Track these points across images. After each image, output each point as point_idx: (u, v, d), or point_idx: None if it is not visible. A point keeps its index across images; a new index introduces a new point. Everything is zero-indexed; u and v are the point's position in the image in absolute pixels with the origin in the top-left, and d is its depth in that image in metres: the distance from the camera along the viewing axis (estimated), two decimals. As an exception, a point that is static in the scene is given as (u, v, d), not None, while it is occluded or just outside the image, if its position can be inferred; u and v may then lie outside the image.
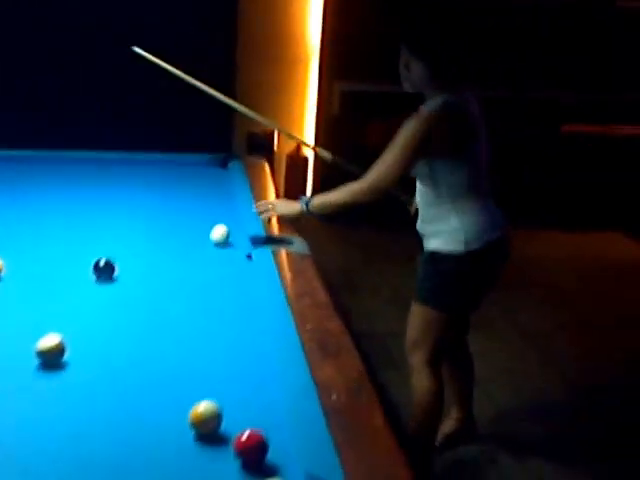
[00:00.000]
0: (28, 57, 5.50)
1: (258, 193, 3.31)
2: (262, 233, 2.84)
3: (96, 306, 2.30)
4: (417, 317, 2.86)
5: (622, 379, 3.88)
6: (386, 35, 5.84)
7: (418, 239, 2.89)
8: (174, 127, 5.37)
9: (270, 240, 2.79)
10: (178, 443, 1.64)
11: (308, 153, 6.24)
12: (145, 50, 4.80)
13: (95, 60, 5.56)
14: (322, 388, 1.77)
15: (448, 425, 3.24)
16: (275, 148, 5.95)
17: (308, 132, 6.21)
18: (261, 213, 2.95)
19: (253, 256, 2.67)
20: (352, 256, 5.47)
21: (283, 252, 2.68)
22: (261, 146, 5.20)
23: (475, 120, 2.70)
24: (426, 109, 2.66)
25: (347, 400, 1.74)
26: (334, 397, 1.74)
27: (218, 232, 2.82)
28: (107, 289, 2.42)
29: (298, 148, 6.21)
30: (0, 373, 1.89)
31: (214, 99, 4.84)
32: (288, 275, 2.51)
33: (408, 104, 6.23)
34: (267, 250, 2.68)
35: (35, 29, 5.46)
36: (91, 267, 2.45)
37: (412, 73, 2.69)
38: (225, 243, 2.82)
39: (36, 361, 1.91)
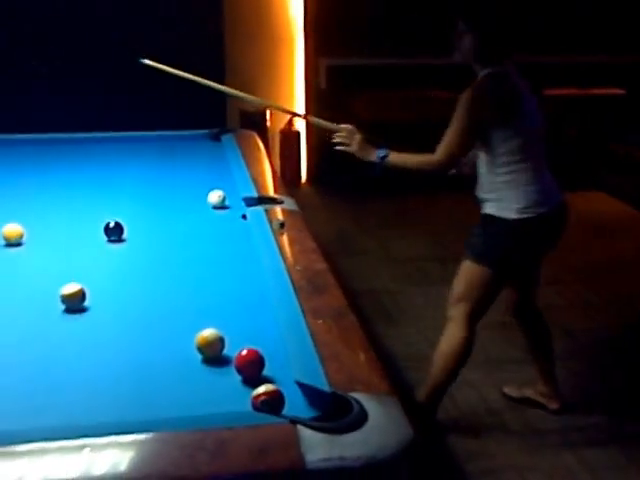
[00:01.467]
0: (32, 47, 5.70)
1: (250, 161, 3.52)
2: (255, 194, 3.03)
3: (109, 262, 2.50)
4: (465, 272, 3.02)
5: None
6: (367, 11, 6.08)
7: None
8: (170, 107, 5.55)
9: (262, 200, 2.96)
10: (187, 366, 1.82)
11: (300, 128, 6.45)
12: (133, 33, 5.01)
13: (94, 49, 5.75)
14: (310, 315, 1.97)
15: (531, 391, 3.34)
16: (268, 124, 6.16)
17: (298, 107, 6.35)
18: (338, 144, 2.99)
19: (248, 215, 2.84)
20: (345, 223, 5.62)
21: (275, 209, 2.86)
22: (253, 123, 5.39)
23: (521, 90, 2.85)
24: (477, 82, 2.84)
25: (331, 323, 1.94)
26: (320, 321, 1.94)
27: (214, 196, 3.00)
28: (117, 248, 2.62)
29: (290, 123, 6.40)
30: (32, 317, 2.10)
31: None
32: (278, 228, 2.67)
33: (390, 76, 6.44)
34: (260, 209, 2.85)
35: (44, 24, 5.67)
36: (102, 229, 2.64)
37: (464, 44, 2.87)
38: (222, 206, 3.00)
39: (61, 306, 2.11)
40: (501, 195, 2.88)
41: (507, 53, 2.91)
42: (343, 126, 3.01)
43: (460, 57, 2.93)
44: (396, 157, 2.93)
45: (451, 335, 3.03)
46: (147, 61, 3.37)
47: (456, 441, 3.13)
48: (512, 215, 2.86)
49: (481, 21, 2.91)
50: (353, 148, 2.96)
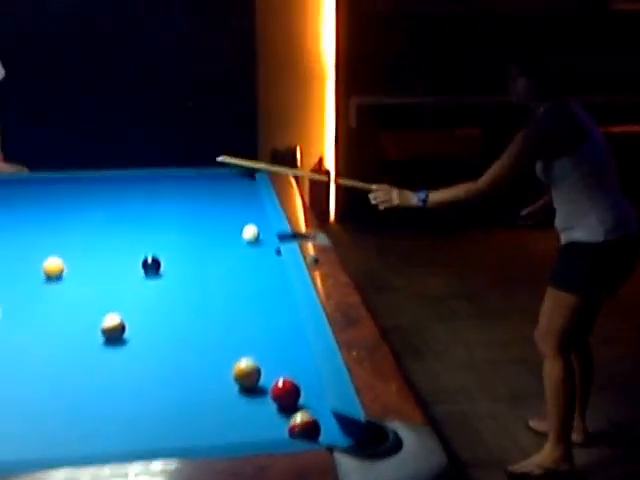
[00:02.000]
0: (69, 83, 5.82)
1: (283, 198, 3.56)
2: (288, 230, 3.06)
3: (147, 296, 2.55)
4: (552, 302, 3.01)
5: None
6: (397, 51, 6.16)
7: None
8: (205, 145, 5.64)
9: (296, 236, 3.00)
10: (224, 396, 1.87)
11: (329, 167, 6.51)
12: (168, 70, 5.09)
13: (130, 89, 5.87)
14: (344, 347, 2.01)
15: None
16: (298, 164, 6.24)
17: (328, 144, 6.46)
18: (380, 203, 3.09)
19: (282, 250, 2.87)
20: (372, 260, 5.65)
21: (308, 244, 2.90)
22: (284, 162, 5.46)
23: (582, 120, 2.90)
24: (536, 118, 2.91)
25: (365, 355, 1.97)
26: (354, 353, 1.97)
27: (249, 232, 3.04)
28: (155, 282, 2.67)
29: (320, 163, 6.47)
30: (72, 349, 2.15)
31: (239, 125, 5.13)
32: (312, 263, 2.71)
33: (419, 115, 6.49)
34: (294, 244, 2.90)
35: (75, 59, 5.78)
36: (140, 264, 2.69)
37: (518, 88, 2.97)
38: (256, 241, 3.03)
39: (101, 338, 2.16)
40: (586, 220, 2.90)
41: (563, 90, 2.97)
42: (376, 186, 3.13)
43: (516, 99, 3.02)
44: (436, 194, 3.03)
45: (550, 373, 3.05)
46: (223, 158, 3.43)
47: (482, 475, 3.13)
48: (600, 238, 2.88)
49: (532, 64, 2.99)
50: (395, 202, 3.08)
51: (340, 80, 6.30)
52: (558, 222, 3.02)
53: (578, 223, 2.93)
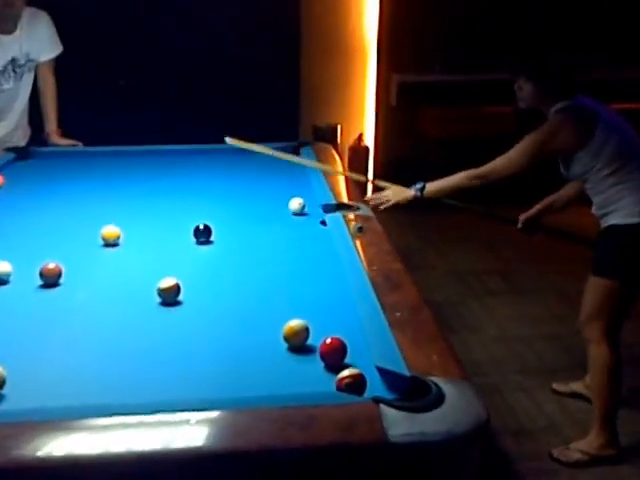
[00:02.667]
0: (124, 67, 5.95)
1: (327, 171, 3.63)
2: (332, 202, 3.13)
3: (199, 261, 2.63)
4: (595, 290, 3.02)
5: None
6: (441, 29, 6.17)
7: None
8: (249, 122, 5.69)
9: (340, 207, 3.06)
10: (274, 354, 1.93)
11: (369, 143, 6.56)
12: (214, 49, 5.15)
13: (187, 71, 5.99)
14: (388, 309, 2.07)
15: (578, 385, 3.45)
16: (338, 140, 6.28)
17: (368, 120, 6.48)
18: (376, 206, 3.16)
19: (327, 221, 2.94)
20: (408, 237, 5.70)
21: (351, 215, 2.95)
22: (325, 137, 5.52)
23: (595, 110, 2.94)
24: (548, 121, 2.96)
25: (408, 316, 2.05)
26: (397, 315, 2.04)
27: (295, 203, 3.10)
28: (206, 248, 2.75)
29: (359, 139, 6.51)
30: (131, 309, 2.24)
31: (282, 101, 5.14)
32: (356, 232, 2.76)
33: (463, 95, 6.51)
34: (338, 215, 2.96)
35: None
36: (192, 232, 2.77)
37: (526, 93, 3.02)
38: (302, 212, 3.09)
39: (157, 299, 2.24)
40: (622, 204, 2.93)
41: (570, 89, 3.00)
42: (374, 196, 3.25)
43: (524, 104, 3.06)
44: (435, 184, 3.11)
45: (596, 359, 3.06)
46: (230, 140, 3.47)
47: (511, 443, 3.22)
48: (634, 219, 2.90)
49: (536, 68, 3.03)
50: (392, 200, 3.17)
51: (382, 58, 6.32)
52: (595, 209, 3.05)
53: (614, 208, 2.95)
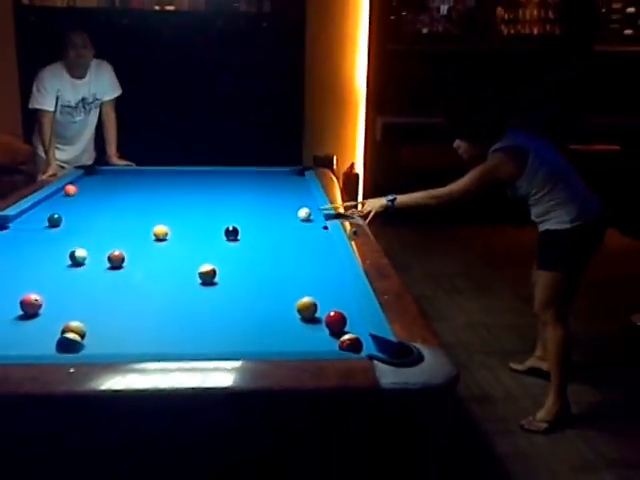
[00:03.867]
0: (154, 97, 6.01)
1: (327, 190, 3.68)
2: (332, 212, 3.18)
3: (229, 254, 2.68)
4: (543, 281, 3.01)
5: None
6: (416, 81, 6.25)
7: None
8: (264, 151, 5.76)
9: (338, 216, 3.12)
10: (290, 323, 1.99)
11: (359, 171, 6.62)
12: (238, 88, 5.22)
13: (214, 109, 6.09)
14: (379, 292, 2.13)
15: (531, 360, 3.45)
16: (334, 167, 6.35)
17: (359, 152, 6.54)
18: (354, 212, 3.14)
19: (328, 226, 3.00)
20: (391, 245, 5.64)
21: (347, 223, 3.00)
22: (324, 164, 5.59)
23: (525, 144, 2.97)
24: (489, 155, 3.00)
25: (395, 298, 2.10)
26: (386, 297, 2.09)
27: (303, 212, 3.14)
28: (234, 245, 2.80)
29: (351, 168, 6.57)
30: (177, 288, 2.29)
31: (289, 134, 5.19)
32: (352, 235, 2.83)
33: (434, 134, 6.57)
34: (337, 222, 3.01)
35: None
36: (223, 232, 2.83)
37: (462, 149, 3.07)
38: (308, 220, 3.13)
39: (198, 281, 2.30)
40: (553, 215, 2.96)
41: (498, 132, 3.01)
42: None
43: (466, 157, 3.08)
44: (404, 197, 3.10)
45: (552, 337, 3.03)
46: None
47: (476, 409, 3.24)
48: (567, 226, 2.93)
49: (464, 127, 3.05)
50: (368, 208, 3.14)
51: (369, 103, 6.39)
52: (533, 217, 3.07)
53: (548, 217, 2.98)
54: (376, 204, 3.16)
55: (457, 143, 3.09)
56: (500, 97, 5.29)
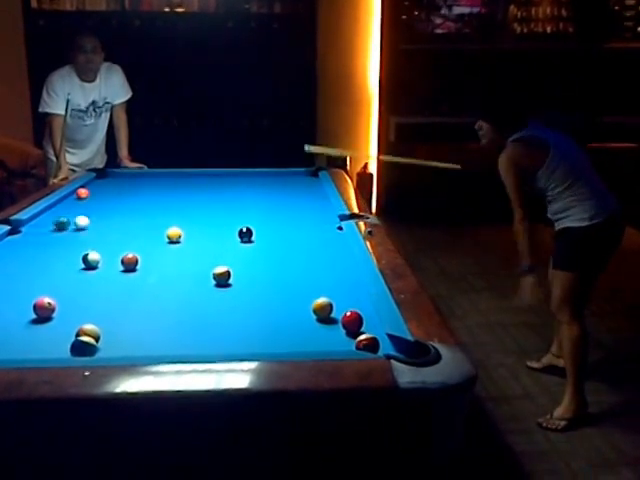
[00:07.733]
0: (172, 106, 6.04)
1: (341, 189, 3.67)
2: (346, 212, 3.15)
3: (243, 255, 2.66)
4: (560, 281, 2.99)
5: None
6: (429, 80, 6.25)
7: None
8: (280, 152, 5.73)
9: (353, 216, 3.09)
10: (305, 324, 1.97)
11: (372, 171, 6.60)
12: (256, 94, 5.21)
13: (231, 113, 6.14)
14: (395, 292, 2.11)
15: (547, 358, 3.45)
16: (348, 167, 6.34)
17: (371, 154, 6.52)
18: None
19: (343, 227, 2.97)
20: (406, 245, 5.65)
21: (362, 223, 2.98)
22: (337, 165, 5.57)
23: (545, 137, 2.96)
24: (506, 150, 2.98)
25: (411, 298, 2.08)
26: (402, 296, 2.07)
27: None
28: (248, 247, 2.78)
29: (365, 168, 6.57)
30: (192, 290, 2.29)
31: (303, 135, 5.20)
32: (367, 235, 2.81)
33: (447, 133, 6.58)
34: (352, 222, 2.99)
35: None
36: (237, 233, 2.81)
37: (483, 130, 3.05)
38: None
39: (213, 282, 2.29)
40: (572, 212, 2.94)
41: (520, 123, 2.99)
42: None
43: (485, 140, 3.07)
44: (523, 254, 2.97)
45: (567, 336, 3.01)
46: (309, 147, 3.38)
47: (493, 408, 3.22)
48: (584, 223, 2.91)
49: (489, 109, 3.05)
50: (529, 296, 3.01)
51: (382, 104, 6.38)
52: (550, 214, 3.05)
53: (566, 215, 2.97)
54: (526, 290, 3.01)
55: (479, 124, 3.08)
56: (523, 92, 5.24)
